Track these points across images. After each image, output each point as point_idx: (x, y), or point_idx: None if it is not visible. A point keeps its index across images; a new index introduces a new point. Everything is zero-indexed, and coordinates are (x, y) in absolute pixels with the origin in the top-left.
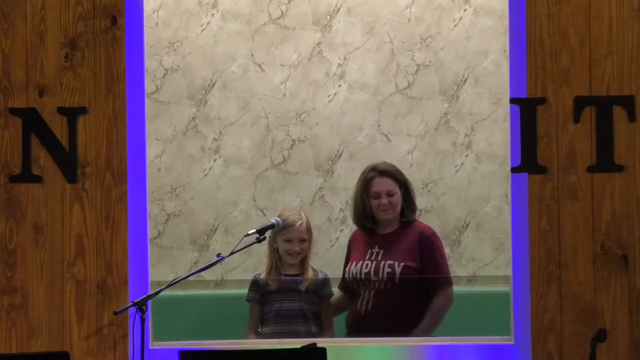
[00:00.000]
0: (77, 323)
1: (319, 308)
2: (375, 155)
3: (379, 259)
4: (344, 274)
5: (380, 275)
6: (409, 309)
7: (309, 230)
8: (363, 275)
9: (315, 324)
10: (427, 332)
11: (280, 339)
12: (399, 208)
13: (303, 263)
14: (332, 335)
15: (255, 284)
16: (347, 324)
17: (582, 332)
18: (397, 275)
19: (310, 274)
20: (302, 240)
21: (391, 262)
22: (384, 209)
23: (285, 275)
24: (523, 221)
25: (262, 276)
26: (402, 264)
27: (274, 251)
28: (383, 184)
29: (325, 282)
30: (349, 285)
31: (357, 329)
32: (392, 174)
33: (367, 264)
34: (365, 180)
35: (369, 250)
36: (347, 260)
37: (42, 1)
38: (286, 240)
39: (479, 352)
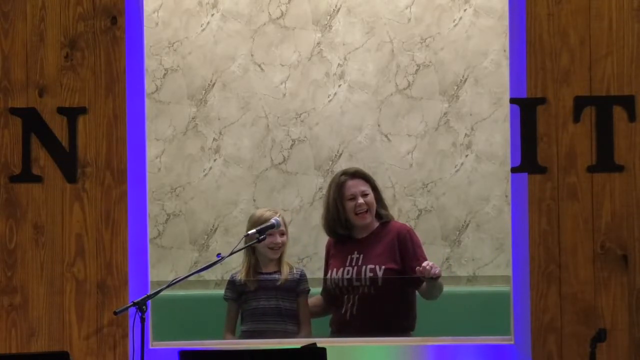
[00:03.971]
0: (77, 323)
1: (296, 305)
2: (375, 155)
3: (359, 264)
4: (325, 282)
5: (363, 280)
6: (394, 310)
7: (285, 224)
8: (345, 282)
9: (292, 322)
10: (428, 291)
11: (280, 339)
12: (374, 209)
13: (280, 260)
14: (309, 332)
15: (232, 283)
16: (332, 327)
17: (582, 332)
18: (380, 278)
19: (286, 271)
20: (282, 234)
21: (372, 266)
22: (361, 211)
23: (263, 273)
24: (523, 221)
25: (240, 276)
26: (383, 267)
27: (250, 250)
28: (357, 185)
29: (302, 278)
30: (332, 292)
31: (343, 332)
32: (363, 175)
33: (348, 270)
34: (337, 184)
35: (349, 257)
36: (327, 269)
37: (42, 1)
38: (268, 234)
39: (479, 352)
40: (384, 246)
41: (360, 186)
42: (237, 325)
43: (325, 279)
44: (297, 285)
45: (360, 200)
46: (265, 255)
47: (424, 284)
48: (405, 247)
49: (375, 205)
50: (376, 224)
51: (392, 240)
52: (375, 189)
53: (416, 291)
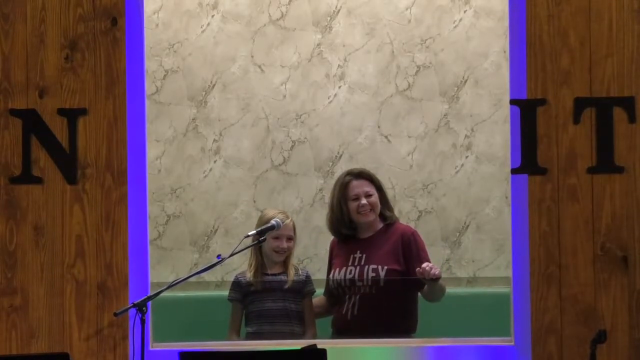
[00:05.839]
0: (77, 324)
1: (302, 307)
2: (375, 156)
3: (362, 263)
4: (327, 282)
5: (365, 280)
6: (396, 311)
7: (294, 229)
8: (347, 281)
9: (298, 324)
10: (430, 293)
11: (279, 340)
12: (378, 209)
13: (286, 262)
14: (315, 333)
15: (237, 284)
16: (333, 328)
17: (582, 333)
18: (382, 278)
19: (292, 273)
20: (290, 238)
21: (375, 266)
22: (364, 211)
23: (268, 274)
24: (523, 222)
25: (248, 276)
26: (385, 267)
27: (257, 250)
28: (361, 186)
29: (307, 279)
30: (334, 291)
31: (344, 332)
32: (368, 176)
33: (350, 269)
34: (342, 185)
35: (351, 256)
36: (330, 268)
37: (42, 2)
38: (274, 237)
39: (479, 353)
40: (387, 247)
41: (364, 187)
42: (242, 326)
43: (327, 279)
44: (303, 287)
45: (364, 201)
46: (270, 257)
47: (426, 286)
48: (409, 249)
49: (379, 206)
50: (380, 225)
51: (396, 242)
52: (380, 189)
53: (418, 293)
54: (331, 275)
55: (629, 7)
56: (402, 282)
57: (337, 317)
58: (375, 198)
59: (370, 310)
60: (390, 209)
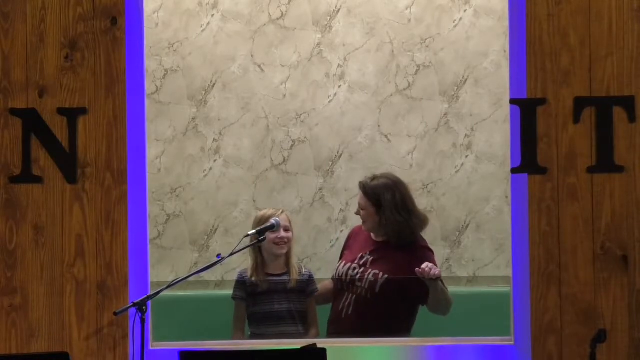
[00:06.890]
0: (77, 324)
1: (305, 307)
2: (375, 156)
3: (367, 265)
4: (336, 270)
5: (364, 283)
6: (388, 321)
7: (290, 221)
8: (349, 278)
9: (303, 324)
10: (437, 297)
11: (279, 340)
12: (370, 223)
13: (287, 261)
14: (317, 332)
15: (241, 283)
16: (328, 322)
17: (582, 333)
18: (378, 286)
19: (295, 272)
20: (286, 229)
21: (376, 271)
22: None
23: (270, 275)
24: (523, 222)
25: (249, 274)
26: (385, 276)
27: (257, 251)
28: (359, 198)
29: (310, 279)
30: (336, 283)
31: (336, 329)
32: (364, 189)
33: (354, 267)
34: None
35: (360, 254)
36: (341, 256)
37: (42, 2)
38: (272, 231)
39: (479, 353)
40: (396, 257)
41: (359, 199)
42: (245, 326)
43: (337, 267)
44: (307, 287)
45: (357, 211)
46: (271, 252)
47: (430, 297)
48: (417, 264)
49: (369, 220)
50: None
51: (406, 254)
52: (377, 205)
53: (418, 308)
54: (337, 266)
55: (629, 7)
56: (399, 295)
57: (333, 312)
58: (365, 213)
59: (363, 315)
60: (393, 229)
